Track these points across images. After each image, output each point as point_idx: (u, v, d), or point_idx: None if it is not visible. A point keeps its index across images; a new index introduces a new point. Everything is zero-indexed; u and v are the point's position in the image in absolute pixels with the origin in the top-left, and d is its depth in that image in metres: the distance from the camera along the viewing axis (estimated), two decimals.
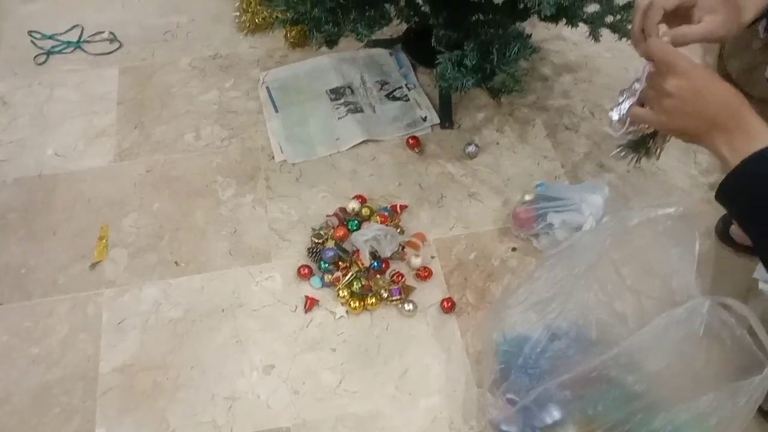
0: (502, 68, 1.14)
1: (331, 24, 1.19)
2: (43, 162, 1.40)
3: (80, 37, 1.65)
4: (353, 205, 1.29)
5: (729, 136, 0.72)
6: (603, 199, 1.17)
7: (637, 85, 0.79)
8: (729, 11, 0.78)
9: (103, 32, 1.66)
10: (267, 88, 1.54)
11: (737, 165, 0.70)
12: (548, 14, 1.09)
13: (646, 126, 0.82)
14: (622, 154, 0.88)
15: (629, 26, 1.24)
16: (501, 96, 1.30)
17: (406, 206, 1.32)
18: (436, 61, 1.19)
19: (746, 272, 1.15)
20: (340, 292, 1.17)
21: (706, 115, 0.74)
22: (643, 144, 0.85)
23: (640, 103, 0.80)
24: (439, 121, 1.47)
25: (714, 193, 0.73)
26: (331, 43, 1.23)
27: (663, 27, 0.78)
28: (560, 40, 1.63)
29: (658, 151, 0.86)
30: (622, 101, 0.80)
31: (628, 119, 0.79)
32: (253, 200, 1.34)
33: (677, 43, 0.77)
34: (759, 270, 1.10)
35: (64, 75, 1.57)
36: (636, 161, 0.88)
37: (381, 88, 1.54)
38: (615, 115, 0.80)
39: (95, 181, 1.37)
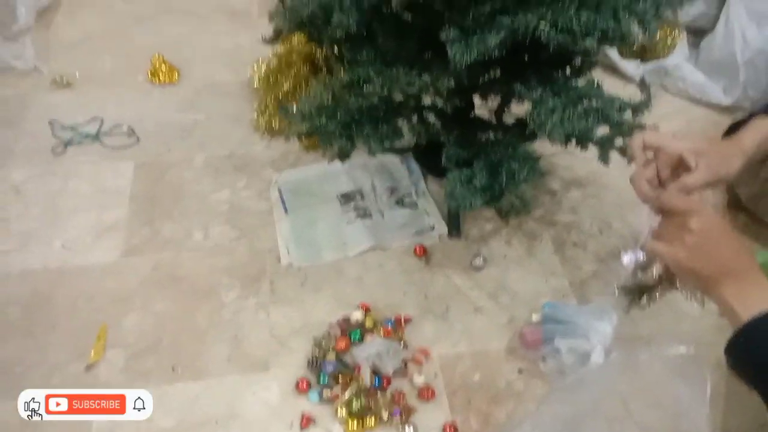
0: (512, 190, 1.15)
1: (344, 138, 1.21)
2: (50, 254, 1.40)
3: (99, 129, 1.69)
4: (357, 316, 1.28)
5: (740, 285, 0.73)
6: (611, 327, 1.14)
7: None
8: (719, 155, 0.81)
9: (122, 126, 1.70)
10: (279, 189, 1.55)
11: (747, 322, 0.69)
12: (560, 140, 1.11)
13: (653, 275, 0.82)
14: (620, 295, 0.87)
15: None
16: (509, 217, 1.30)
17: (410, 319, 1.30)
18: (447, 178, 1.20)
19: (759, 407, 1.11)
20: (339, 410, 1.13)
21: (722, 259, 0.74)
22: (641, 292, 0.85)
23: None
24: (446, 231, 1.47)
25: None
26: (343, 156, 1.25)
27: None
28: (568, 154, 1.65)
29: (653, 301, 0.86)
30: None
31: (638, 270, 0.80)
32: (256, 304, 1.33)
33: (683, 189, 0.78)
34: None
35: (80, 167, 1.60)
36: (631, 306, 0.88)
37: (391, 194, 1.56)
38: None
39: (100, 277, 1.36)
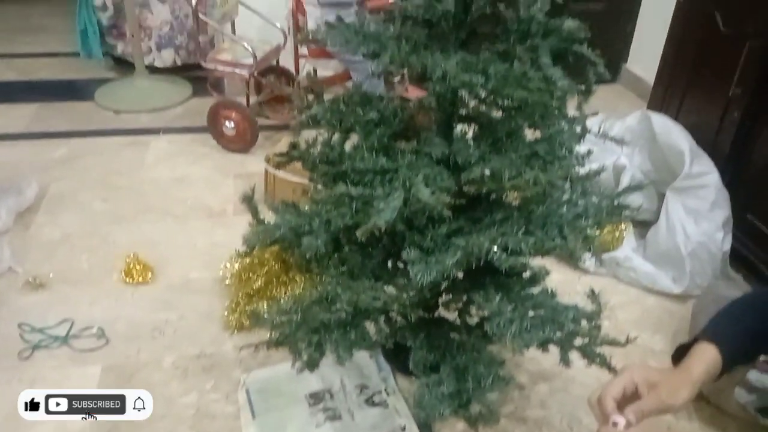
0: (478, 398, 1.17)
1: (313, 347, 1.24)
2: None
3: (69, 331, 1.70)
4: None
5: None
6: None
7: None
8: (669, 387, 0.87)
9: (93, 327, 1.71)
10: (247, 390, 1.54)
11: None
12: (519, 349, 1.16)
13: None
14: None
15: (597, 349, 1.32)
16: (478, 426, 1.31)
17: None
18: (416, 385, 1.22)
19: None
20: None
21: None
22: None
23: None
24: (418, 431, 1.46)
25: None
26: (311, 366, 1.27)
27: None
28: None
29: None
30: None
31: None
32: None
33: (639, 418, 0.82)
34: None
35: (46, 372, 1.58)
36: None
37: (360, 392, 1.56)
38: None
39: None
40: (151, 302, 1.82)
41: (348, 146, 1.27)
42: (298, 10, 2.50)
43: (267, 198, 2.25)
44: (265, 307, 1.62)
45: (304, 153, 1.34)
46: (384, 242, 1.23)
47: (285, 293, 1.71)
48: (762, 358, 1.40)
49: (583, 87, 1.19)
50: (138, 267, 1.89)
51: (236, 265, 1.78)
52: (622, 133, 2.19)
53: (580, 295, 1.39)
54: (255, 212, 1.30)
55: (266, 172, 2.24)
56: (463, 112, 1.28)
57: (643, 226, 2.12)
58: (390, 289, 1.17)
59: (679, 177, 1.96)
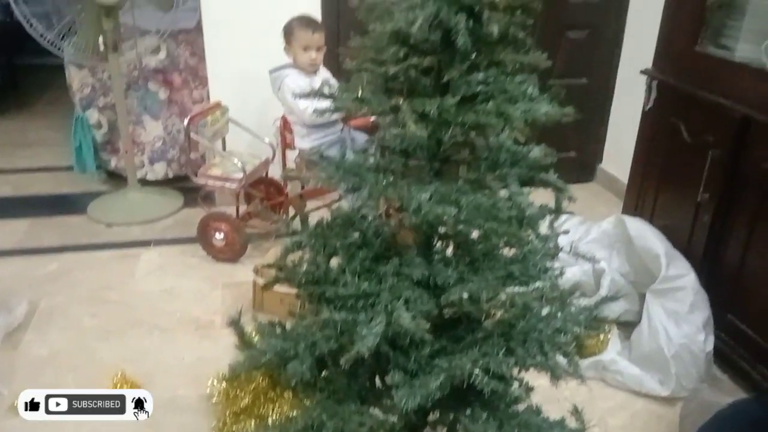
0: None
1: None
2: None
3: None
4: None
5: None
6: None
7: None
8: None
9: None
10: None
11: None
12: None
13: None
14: None
15: None
16: None
17: None
18: None
19: None
20: None
21: None
22: None
23: None
24: None
25: None
26: None
27: None
28: None
29: None
30: None
31: None
32: None
33: None
34: None
35: None
36: None
37: None
38: None
39: None
40: (138, 422, 1.79)
41: (333, 263, 1.32)
42: (286, 128, 2.63)
43: (255, 308, 2.28)
44: (252, 427, 1.61)
45: (290, 273, 1.38)
46: (368, 364, 1.25)
47: (273, 411, 1.70)
48: None
49: (553, 207, 1.27)
50: (125, 386, 1.88)
51: (223, 383, 1.78)
52: (598, 237, 2.27)
53: (568, 401, 1.39)
54: (241, 335, 1.33)
55: (254, 282, 2.28)
56: (442, 230, 1.34)
57: (627, 327, 2.15)
58: (376, 412, 1.18)
59: (657, 280, 2.02)
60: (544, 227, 1.30)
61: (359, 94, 1.09)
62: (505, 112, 1.07)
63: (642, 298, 2.13)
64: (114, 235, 2.94)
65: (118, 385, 1.88)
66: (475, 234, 1.30)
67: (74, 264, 2.66)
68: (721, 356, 2.02)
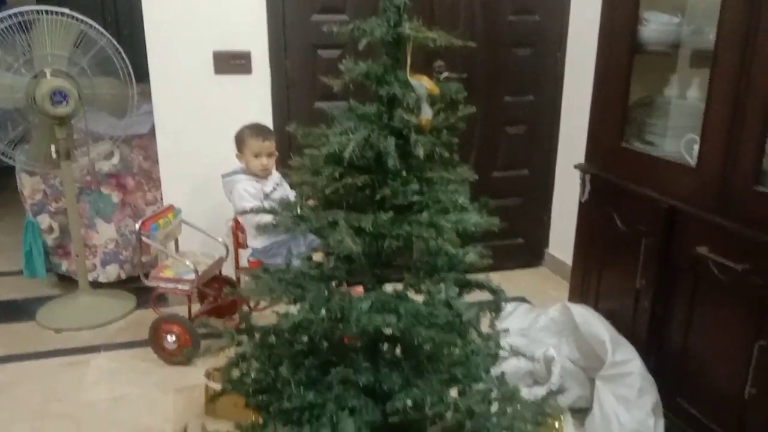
0: None
1: None
2: None
3: None
4: None
5: None
6: None
7: None
8: None
9: None
10: None
11: None
12: None
13: None
14: None
15: None
16: None
17: None
18: None
19: None
20: None
21: None
22: None
23: None
24: None
25: None
26: None
27: None
28: None
29: None
30: None
31: None
32: None
33: None
34: None
35: None
36: None
37: None
38: None
39: None
40: None
41: (282, 371, 1.33)
42: (238, 228, 2.67)
43: (207, 414, 2.23)
44: None
45: (237, 384, 1.39)
46: None
47: None
48: None
49: (493, 306, 1.33)
50: None
51: None
52: (547, 325, 2.33)
53: None
54: None
55: (206, 387, 2.24)
56: (388, 332, 1.37)
57: (581, 413, 2.17)
58: None
59: (604, 366, 2.07)
60: (485, 327, 1.35)
61: (298, 212, 1.15)
62: (437, 223, 1.14)
63: (593, 383, 2.17)
64: (63, 341, 2.86)
65: None
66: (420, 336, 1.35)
67: (19, 375, 2.57)
68: None
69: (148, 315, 2.78)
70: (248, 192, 2.43)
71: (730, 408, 1.85)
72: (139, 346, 2.76)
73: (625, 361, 2.06)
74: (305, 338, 1.33)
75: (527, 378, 2.28)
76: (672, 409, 2.06)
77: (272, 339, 1.32)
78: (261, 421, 1.22)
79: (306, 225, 1.14)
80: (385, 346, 1.38)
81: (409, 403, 1.12)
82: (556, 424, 2.12)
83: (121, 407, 2.36)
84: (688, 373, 2.04)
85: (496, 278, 1.37)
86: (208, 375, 2.25)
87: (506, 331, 1.37)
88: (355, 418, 1.10)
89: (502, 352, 1.33)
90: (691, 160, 1.98)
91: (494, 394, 1.24)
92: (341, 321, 1.14)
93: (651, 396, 2.02)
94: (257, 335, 1.35)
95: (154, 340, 2.62)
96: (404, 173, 1.12)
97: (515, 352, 1.36)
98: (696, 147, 1.95)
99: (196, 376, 2.44)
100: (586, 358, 2.23)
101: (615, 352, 2.07)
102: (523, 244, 3.60)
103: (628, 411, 1.99)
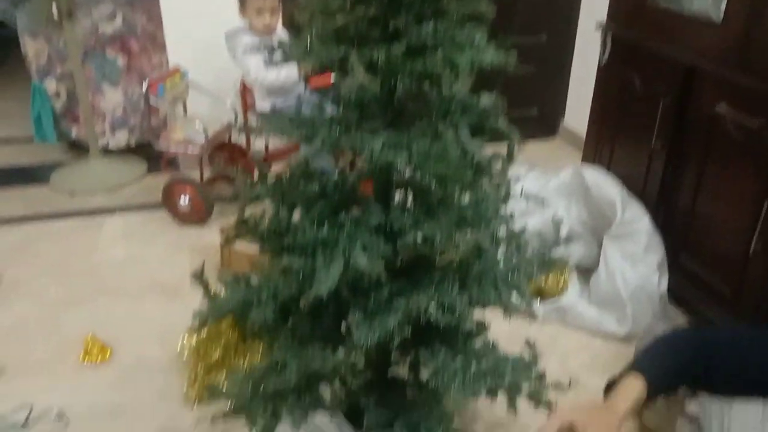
0: None
1: (269, 414, 1.29)
2: None
3: (28, 417, 1.69)
4: None
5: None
6: None
7: None
8: (601, 422, 0.96)
9: (52, 411, 1.71)
10: None
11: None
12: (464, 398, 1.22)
13: None
14: None
15: (545, 396, 1.39)
16: None
17: None
18: None
19: None
20: None
21: None
22: None
23: None
24: None
25: None
26: None
27: None
28: (488, 399, 1.76)
29: None
30: None
31: None
32: None
33: None
34: None
35: None
36: None
37: None
38: None
39: None
40: (110, 382, 1.83)
41: (295, 217, 1.35)
42: (246, 91, 2.62)
43: (223, 271, 2.30)
44: (223, 378, 1.66)
45: (253, 228, 1.41)
46: (331, 308, 1.29)
47: (243, 363, 1.74)
48: None
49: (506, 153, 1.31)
50: (96, 347, 1.91)
51: (193, 340, 1.81)
52: (557, 188, 2.33)
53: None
54: (206, 288, 1.36)
55: (221, 245, 2.30)
56: (398, 179, 1.37)
57: (586, 273, 2.23)
58: (339, 355, 1.22)
59: (613, 224, 2.09)
60: (496, 174, 1.35)
61: (307, 45, 1.11)
62: (452, 60, 1.10)
63: (600, 245, 2.20)
64: (77, 204, 2.92)
65: (90, 345, 1.90)
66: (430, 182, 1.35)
67: (38, 234, 2.65)
68: (676, 296, 2.12)
69: (160, 179, 2.80)
70: (250, 45, 2.35)
71: (733, 265, 1.88)
72: (152, 209, 2.81)
73: (634, 219, 2.08)
74: (316, 186, 1.34)
75: (535, 240, 2.31)
76: (675, 266, 2.10)
77: (284, 184, 1.32)
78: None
79: (315, 57, 1.11)
80: (397, 196, 1.38)
81: (420, 238, 1.14)
82: (561, 281, 2.18)
83: (139, 265, 2.44)
84: (695, 232, 2.06)
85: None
86: (223, 232, 2.30)
87: (518, 178, 1.37)
88: (366, 252, 1.12)
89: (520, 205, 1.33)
90: (717, 16, 1.89)
91: (502, 233, 1.26)
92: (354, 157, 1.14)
93: (657, 253, 2.06)
94: (270, 181, 1.35)
95: (168, 201, 2.66)
96: (419, 5, 1.07)
97: (526, 196, 1.36)
98: (724, 2, 1.86)
99: (210, 237, 2.51)
100: (594, 220, 2.25)
101: (624, 211, 2.09)
102: (537, 115, 3.51)
103: (634, 267, 2.03)
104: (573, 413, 1.01)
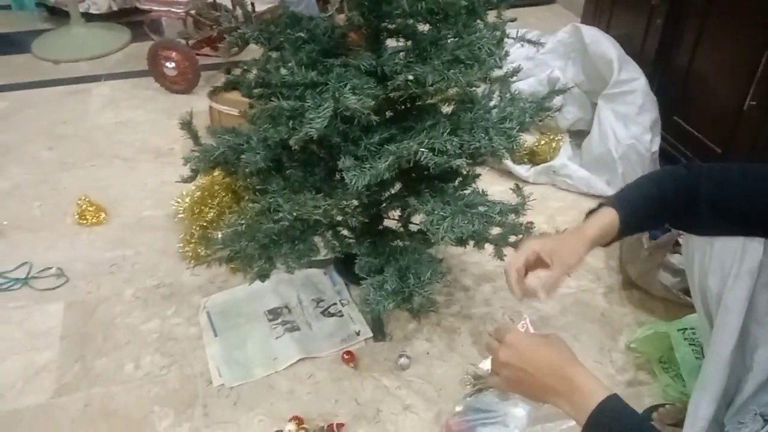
0: (419, 291, 1.27)
1: (263, 260, 1.32)
2: None
3: (28, 273, 1.74)
4: (290, 428, 1.32)
5: (567, 397, 0.81)
6: (525, 412, 1.24)
7: None
8: (568, 249, 0.96)
9: (51, 268, 1.75)
10: (207, 312, 1.62)
11: (585, 422, 0.77)
12: (453, 244, 1.25)
13: None
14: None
15: None
16: (420, 315, 1.41)
17: (343, 424, 1.36)
18: (361, 286, 1.31)
19: None
20: None
21: (539, 383, 0.84)
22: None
23: None
24: (372, 335, 1.56)
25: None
26: (263, 277, 1.35)
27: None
28: (476, 252, 1.80)
29: None
30: None
31: None
32: (190, 429, 1.36)
33: (549, 289, 0.92)
34: None
35: (9, 312, 1.63)
36: None
37: (317, 306, 1.65)
38: None
39: (31, 420, 1.37)
40: (107, 241, 1.86)
41: (284, 71, 1.31)
42: None
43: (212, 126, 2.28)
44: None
45: (240, 78, 1.38)
46: (323, 157, 1.29)
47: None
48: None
49: None
50: (91, 208, 1.93)
51: (187, 200, 1.83)
52: (554, 47, 2.27)
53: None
54: (195, 137, 1.35)
55: (210, 108, 2.26)
56: (390, 26, 1.32)
57: (579, 136, 2.22)
58: (330, 201, 1.23)
59: (609, 84, 2.06)
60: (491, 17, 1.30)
61: None
62: None
63: (594, 108, 2.17)
64: (62, 71, 2.84)
65: (84, 207, 1.92)
66: (423, 27, 1.30)
67: (25, 102, 2.59)
68: (667, 156, 2.12)
69: (145, 47, 2.69)
70: None
71: (726, 122, 1.87)
72: (140, 76, 2.75)
73: (630, 79, 2.04)
74: (304, 31, 1.29)
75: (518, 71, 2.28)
76: (668, 127, 2.09)
77: (270, 26, 1.28)
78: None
79: None
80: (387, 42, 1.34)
81: (411, 77, 1.11)
82: (553, 144, 2.17)
83: (129, 130, 2.41)
84: (689, 93, 2.03)
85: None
86: (212, 95, 2.25)
87: (513, 20, 1.32)
88: (356, 93, 1.10)
89: (506, 40, 1.29)
90: None
91: (492, 75, 1.23)
92: None
93: (651, 113, 2.04)
94: (256, 23, 1.30)
95: (154, 66, 2.59)
96: None
97: (521, 39, 1.32)
98: None
99: (199, 104, 2.45)
100: (590, 81, 2.21)
101: (621, 71, 2.04)
102: None
103: (626, 127, 2.02)
104: (538, 243, 0.99)
